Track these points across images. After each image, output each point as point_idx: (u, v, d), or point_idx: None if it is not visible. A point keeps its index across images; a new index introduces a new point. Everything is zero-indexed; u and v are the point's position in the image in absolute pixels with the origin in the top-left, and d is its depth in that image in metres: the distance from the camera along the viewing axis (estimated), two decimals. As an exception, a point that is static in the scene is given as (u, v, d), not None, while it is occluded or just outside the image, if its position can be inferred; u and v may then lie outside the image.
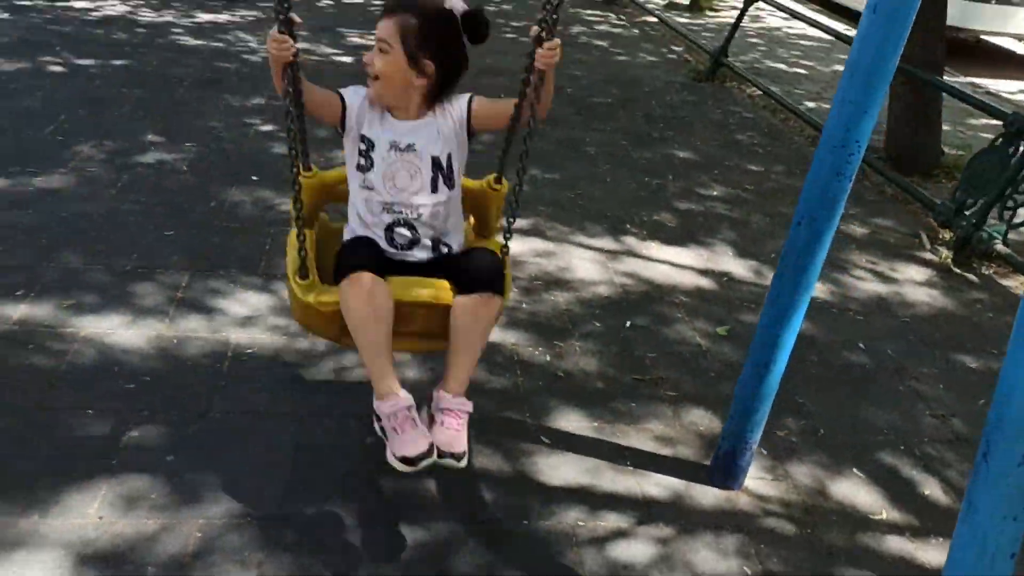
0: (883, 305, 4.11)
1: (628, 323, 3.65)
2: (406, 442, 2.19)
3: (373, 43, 2.35)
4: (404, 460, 2.18)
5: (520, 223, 4.43)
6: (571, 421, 3.01)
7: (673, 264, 4.23)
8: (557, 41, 2.22)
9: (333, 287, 2.34)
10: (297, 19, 2.16)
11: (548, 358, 3.34)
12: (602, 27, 9.63)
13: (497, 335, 3.41)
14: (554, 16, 2.18)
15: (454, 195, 2.49)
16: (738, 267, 4.29)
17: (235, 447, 2.69)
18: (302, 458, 2.68)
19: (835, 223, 2.34)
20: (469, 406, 2.35)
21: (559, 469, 2.78)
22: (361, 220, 2.49)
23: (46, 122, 4.97)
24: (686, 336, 3.62)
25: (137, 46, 6.67)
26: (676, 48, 8.97)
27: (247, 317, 3.36)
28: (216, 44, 7.00)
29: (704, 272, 4.20)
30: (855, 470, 2.96)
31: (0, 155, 4.45)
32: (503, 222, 2.56)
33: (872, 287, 4.28)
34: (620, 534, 2.56)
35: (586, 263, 4.13)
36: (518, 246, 4.18)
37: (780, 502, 2.77)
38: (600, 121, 6.28)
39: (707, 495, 2.75)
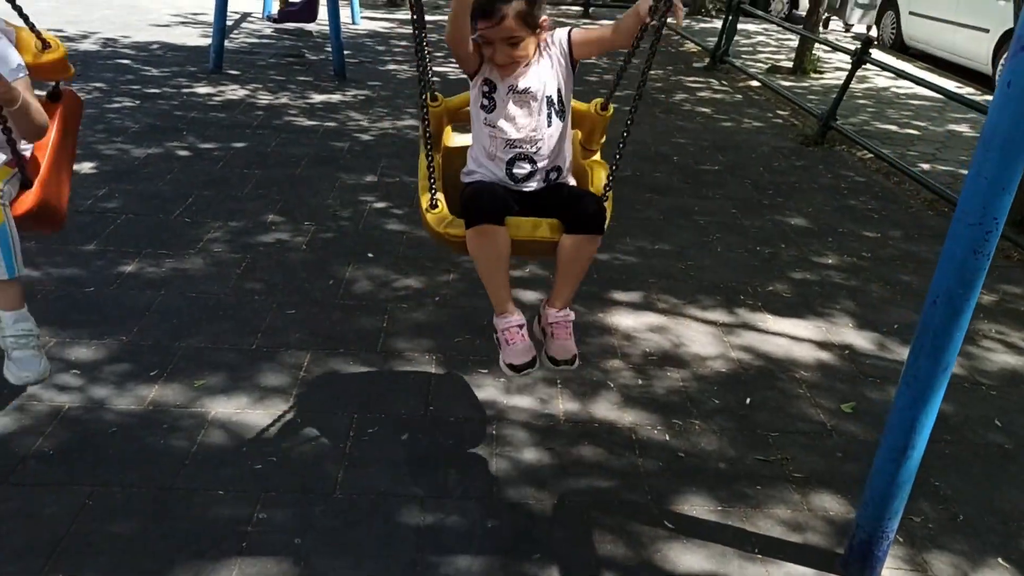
0: (1018, 378, 3.91)
1: (748, 400, 3.57)
2: (515, 352, 2.67)
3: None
4: (511, 367, 2.68)
5: (631, 296, 4.43)
6: (694, 505, 2.94)
7: (791, 337, 4.13)
8: None
9: (459, 220, 2.69)
10: None
11: (667, 437, 3.29)
12: (704, 93, 9.63)
13: (614, 414, 3.39)
14: None
15: (565, 123, 2.83)
16: (859, 339, 4.16)
17: (359, 528, 2.72)
18: (424, 540, 2.69)
19: (973, 302, 2.25)
20: (572, 316, 2.79)
21: (684, 556, 2.71)
22: (485, 152, 2.83)
23: (175, 204, 5.22)
24: (809, 414, 3.52)
25: (256, 128, 6.99)
26: (782, 112, 8.89)
27: (368, 396, 3.42)
28: (329, 124, 7.27)
29: (823, 345, 4.08)
30: (1000, 560, 2.79)
31: (136, 237, 4.69)
32: (604, 176, 2.83)
33: (1004, 359, 4.09)
34: (751, 626, 2.47)
35: (701, 336, 4.07)
36: (630, 321, 4.16)
37: (920, 594, 2.63)
38: (708, 188, 6.25)
39: (841, 585, 2.64)
